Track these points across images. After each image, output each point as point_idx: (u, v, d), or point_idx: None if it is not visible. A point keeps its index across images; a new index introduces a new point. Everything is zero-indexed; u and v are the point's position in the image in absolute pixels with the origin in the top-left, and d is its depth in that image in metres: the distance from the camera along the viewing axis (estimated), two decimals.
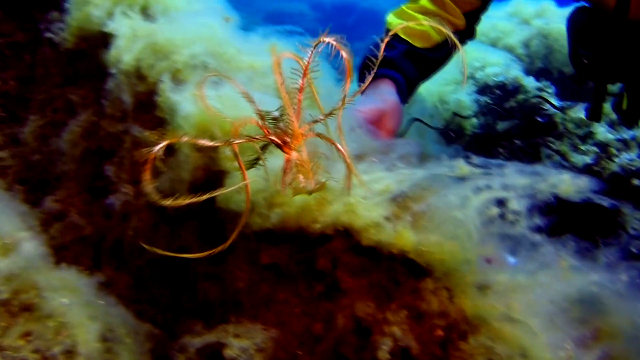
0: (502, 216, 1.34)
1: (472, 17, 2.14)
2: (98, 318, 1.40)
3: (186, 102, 1.55)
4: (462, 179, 1.40)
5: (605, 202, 1.31)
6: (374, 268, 1.38)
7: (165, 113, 1.66)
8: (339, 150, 1.21)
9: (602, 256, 1.36)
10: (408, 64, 1.98)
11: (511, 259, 1.59)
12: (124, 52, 1.85)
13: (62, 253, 1.77)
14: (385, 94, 1.87)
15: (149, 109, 1.79)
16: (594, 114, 2.27)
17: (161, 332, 1.54)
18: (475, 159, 1.32)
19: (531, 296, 1.31)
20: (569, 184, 1.34)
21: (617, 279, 1.30)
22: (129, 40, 1.87)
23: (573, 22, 2.19)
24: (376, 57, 1.94)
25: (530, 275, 1.38)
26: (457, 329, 1.32)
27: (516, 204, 1.33)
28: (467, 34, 2.19)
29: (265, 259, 1.50)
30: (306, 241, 1.43)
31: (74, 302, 1.40)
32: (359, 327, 1.38)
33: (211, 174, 1.53)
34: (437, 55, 2.11)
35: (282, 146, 1.19)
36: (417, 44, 2.04)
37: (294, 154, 1.19)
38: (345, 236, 1.40)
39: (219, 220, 1.52)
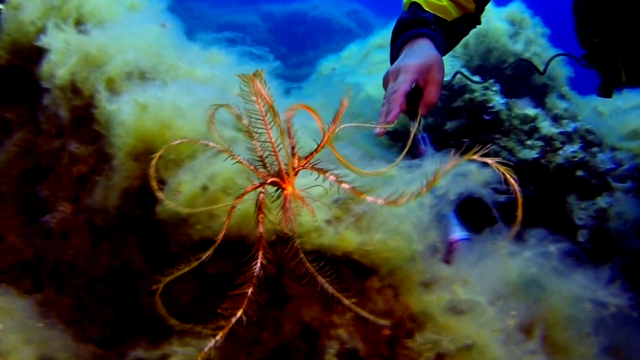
0: (437, 204, 1.36)
1: (481, 4, 2.17)
2: (35, 342, 1.34)
3: (123, 112, 1.52)
4: (392, 177, 1.41)
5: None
6: (319, 272, 1.36)
7: (102, 126, 1.62)
8: (336, 180, 1.17)
9: (531, 237, 1.39)
10: (438, 29, 1.98)
11: (463, 234, 1.61)
12: (58, 67, 1.80)
13: (0, 277, 1.70)
14: (426, 49, 1.85)
15: (86, 123, 1.74)
16: (605, 91, 2.29)
17: (105, 352, 1.50)
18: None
19: (475, 285, 1.31)
20: (476, 174, 1.38)
21: (547, 252, 1.33)
22: (63, 54, 1.82)
23: (577, 3, 2.24)
24: (410, 19, 1.95)
25: (473, 266, 1.39)
26: (404, 327, 1.31)
27: (445, 190, 1.35)
28: (475, 19, 2.21)
29: (211, 269, 1.47)
30: (250, 248, 1.41)
31: (9, 326, 1.35)
32: (306, 332, 1.36)
33: (148, 183, 1.50)
34: (459, 28, 2.12)
35: (280, 183, 1.18)
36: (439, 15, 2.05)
37: (291, 189, 1.18)
38: (287, 242, 1.38)
39: (161, 233, 1.49)
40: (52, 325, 1.47)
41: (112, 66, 1.65)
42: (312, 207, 1.16)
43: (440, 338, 1.27)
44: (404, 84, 1.70)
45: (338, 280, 1.35)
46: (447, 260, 1.59)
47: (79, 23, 1.96)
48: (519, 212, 0.94)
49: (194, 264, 1.16)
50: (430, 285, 1.35)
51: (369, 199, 1.03)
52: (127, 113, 1.49)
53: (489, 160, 0.90)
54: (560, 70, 3.25)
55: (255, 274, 1.11)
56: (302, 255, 1.13)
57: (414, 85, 1.72)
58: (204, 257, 1.17)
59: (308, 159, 1.21)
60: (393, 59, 1.99)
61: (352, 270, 1.36)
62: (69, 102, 1.77)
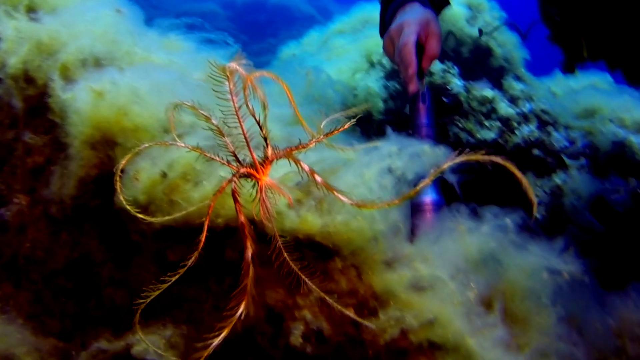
0: (397, 183, 1.38)
1: None
2: None
3: (78, 99, 1.48)
4: (351, 160, 1.43)
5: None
6: (282, 255, 1.37)
7: (57, 115, 1.58)
8: (307, 171, 1.15)
9: (487, 213, 1.43)
10: None
11: (435, 197, 1.64)
12: (9, 55, 1.75)
13: None
14: (419, 8, 1.93)
15: (40, 112, 1.70)
16: (569, 67, 2.34)
17: (66, 345, 1.47)
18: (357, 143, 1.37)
19: (435, 262, 1.34)
20: (430, 154, 1.41)
21: (504, 224, 1.36)
22: (14, 42, 1.77)
23: None
24: None
25: (433, 243, 1.42)
26: (367, 305, 1.33)
27: (403, 171, 1.37)
28: None
29: (172, 256, 1.46)
30: (212, 235, 1.41)
31: None
32: (271, 315, 1.37)
33: (105, 172, 1.47)
34: (437, 1, 2.17)
35: (254, 174, 1.16)
36: None
37: (266, 180, 1.17)
38: (249, 226, 1.38)
39: (120, 222, 1.47)
40: (9, 320, 1.44)
41: (65, 54, 1.61)
42: (289, 196, 1.15)
43: (403, 315, 1.30)
44: (410, 35, 1.81)
45: (301, 262, 1.37)
46: (415, 225, 1.61)
47: (30, 10, 1.90)
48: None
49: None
50: (392, 264, 1.37)
51: (342, 198, 1.02)
52: (82, 101, 1.46)
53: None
54: (516, 53, 3.31)
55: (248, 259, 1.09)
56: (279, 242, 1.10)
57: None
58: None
59: (287, 150, 1.19)
60: (383, 29, 2.07)
61: (315, 252, 1.36)
62: (22, 92, 1.72)
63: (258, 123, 1.06)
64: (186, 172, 1.38)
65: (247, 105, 1.02)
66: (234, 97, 1.13)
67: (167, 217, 1.29)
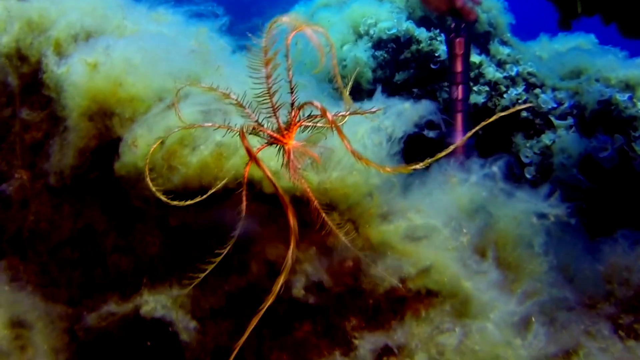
0: (388, 141, 1.42)
1: None
2: (4, 305, 1.35)
3: (73, 73, 1.51)
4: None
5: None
6: (280, 213, 1.42)
7: (52, 90, 1.61)
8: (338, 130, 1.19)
9: (474, 164, 1.47)
10: None
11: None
12: (1, 35, 1.77)
13: None
14: None
15: (35, 88, 1.72)
16: (564, 24, 2.38)
17: (75, 310, 1.52)
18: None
19: (429, 212, 1.39)
20: (410, 110, 1.46)
21: (491, 172, 1.41)
22: (4, 22, 1.79)
23: None
24: None
25: (426, 196, 1.47)
26: (366, 257, 1.38)
27: (392, 129, 1.41)
28: None
29: (174, 221, 1.50)
30: (211, 197, 1.45)
31: None
32: (272, 271, 1.42)
33: (105, 142, 1.51)
34: None
35: (280, 140, 1.19)
36: None
37: (292, 143, 1.20)
38: (248, 187, 1.42)
39: (121, 189, 1.50)
40: (20, 288, 1.49)
41: (56, 30, 1.63)
42: (317, 156, 1.17)
43: (400, 264, 1.35)
44: None
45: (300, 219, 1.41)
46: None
47: None
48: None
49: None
50: (388, 216, 1.42)
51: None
52: (76, 74, 1.49)
53: None
54: (502, 18, 3.33)
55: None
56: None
57: None
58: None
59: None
60: None
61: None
62: (16, 70, 1.74)
63: (292, 88, 1.08)
64: (183, 138, 1.42)
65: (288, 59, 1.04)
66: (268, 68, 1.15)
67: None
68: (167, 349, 1.52)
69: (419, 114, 1.50)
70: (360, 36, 3.23)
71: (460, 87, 2.13)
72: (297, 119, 1.17)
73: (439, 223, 1.37)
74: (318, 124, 1.17)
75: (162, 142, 1.42)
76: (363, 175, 1.39)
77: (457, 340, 1.33)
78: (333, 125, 0.95)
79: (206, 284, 1.48)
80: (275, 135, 1.20)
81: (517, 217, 1.46)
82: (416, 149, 1.70)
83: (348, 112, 1.18)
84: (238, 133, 1.06)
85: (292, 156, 1.19)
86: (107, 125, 1.51)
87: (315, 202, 1.14)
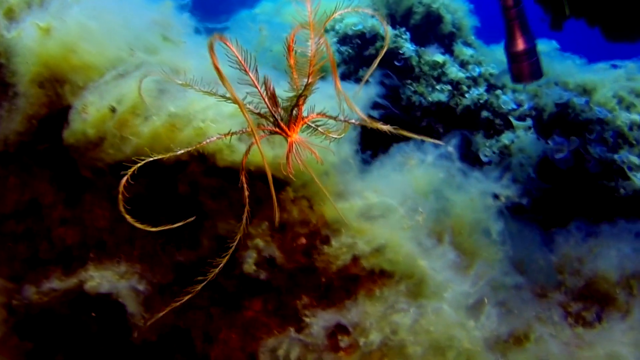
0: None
1: None
2: None
3: (24, 37, 1.45)
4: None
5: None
6: (233, 188, 1.38)
7: (2, 55, 1.54)
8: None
9: (429, 146, 1.47)
10: None
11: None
12: None
13: None
14: None
15: None
16: (556, 25, 2.41)
17: (16, 285, 1.45)
18: None
19: (385, 192, 1.38)
20: (362, 94, 1.47)
21: (446, 151, 1.41)
22: None
23: None
24: None
25: (384, 177, 1.45)
26: (319, 234, 1.36)
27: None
28: None
29: (125, 193, 1.45)
30: (163, 170, 1.41)
31: None
32: (223, 246, 1.38)
33: (55, 111, 1.45)
34: None
35: (285, 133, 1.19)
36: None
37: (295, 137, 1.20)
38: (200, 160, 1.38)
39: (70, 159, 1.45)
40: None
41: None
42: (317, 153, 1.19)
43: (355, 241, 1.33)
44: None
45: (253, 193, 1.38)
46: (515, 75, 1.86)
47: None
48: None
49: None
50: (344, 195, 1.40)
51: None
52: (28, 38, 1.43)
53: None
54: (466, 20, 3.38)
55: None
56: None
57: None
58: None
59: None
60: None
61: (266, 184, 1.38)
62: None
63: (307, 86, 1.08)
64: (135, 107, 1.37)
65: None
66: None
67: None
68: (113, 326, 1.47)
69: (368, 97, 1.50)
70: (326, 31, 3.21)
71: None
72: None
73: (394, 202, 1.36)
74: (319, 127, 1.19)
75: (114, 111, 1.37)
76: (320, 152, 1.36)
77: (411, 320, 1.32)
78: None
79: (156, 258, 1.43)
80: (282, 125, 1.20)
81: (474, 201, 1.46)
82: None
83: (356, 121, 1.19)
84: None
85: (292, 149, 1.20)
86: (58, 92, 1.45)
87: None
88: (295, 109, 1.16)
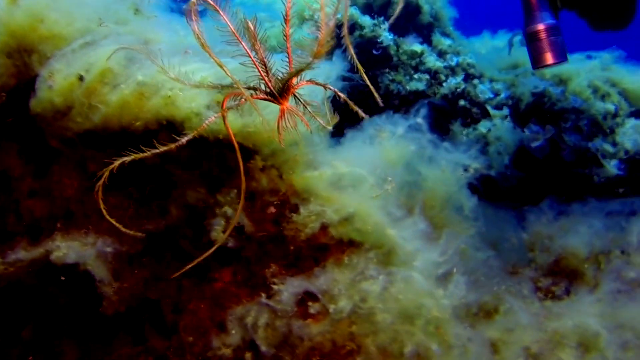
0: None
1: None
2: None
3: None
4: None
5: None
6: (203, 157, 1.38)
7: None
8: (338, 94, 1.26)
9: (399, 119, 1.48)
10: None
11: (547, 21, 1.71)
12: None
13: None
14: None
15: None
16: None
17: None
18: None
19: (355, 163, 1.38)
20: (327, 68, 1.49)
21: (416, 122, 1.42)
22: None
23: None
24: None
25: (356, 148, 1.46)
26: (288, 203, 1.36)
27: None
28: None
29: (93, 166, 1.44)
30: (132, 139, 1.39)
31: None
32: (192, 215, 1.37)
33: (24, 82, 1.43)
34: None
35: (277, 99, 1.21)
36: None
37: (286, 105, 1.21)
38: (169, 129, 1.38)
39: (38, 128, 1.43)
40: None
41: None
42: (307, 121, 1.20)
43: (324, 209, 1.33)
44: None
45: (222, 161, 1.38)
46: (534, 55, 1.67)
47: None
48: None
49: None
50: (313, 164, 1.40)
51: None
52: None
53: None
54: (445, 11, 3.41)
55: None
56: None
57: None
58: None
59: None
60: None
61: (235, 153, 1.38)
62: None
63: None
64: (104, 75, 1.36)
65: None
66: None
67: None
68: (82, 297, 1.45)
69: (335, 72, 1.51)
70: (305, 20, 3.22)
71: None
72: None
73: (364, 171, 1.36)
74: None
75: (81, 79, 1.36)
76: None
77: (380, 288, 1.32)
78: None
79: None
80: (274, 93, 1.22)
81: (444, 172, 1.47)
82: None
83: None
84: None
85: (284, 116, 1.22)
86: (26, 62, 1.44)
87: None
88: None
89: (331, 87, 1.23)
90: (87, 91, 1.36)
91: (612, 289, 1.59)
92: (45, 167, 1.45)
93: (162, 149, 1.11)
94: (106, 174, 1.12)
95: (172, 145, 1.11)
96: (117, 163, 1.12)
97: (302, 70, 1.14)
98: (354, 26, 3.08)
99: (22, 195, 1.48)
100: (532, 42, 1.77)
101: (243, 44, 1.16)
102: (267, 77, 1.22)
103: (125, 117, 1.36)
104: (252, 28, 1.14)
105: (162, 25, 1.59)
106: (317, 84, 1.25)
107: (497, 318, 1.49)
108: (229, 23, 1.14)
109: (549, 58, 1.75)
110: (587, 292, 1.60)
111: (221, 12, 1.14)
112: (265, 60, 1.20)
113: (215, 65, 1.38)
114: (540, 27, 1.75)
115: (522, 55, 3.20)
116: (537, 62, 1.77)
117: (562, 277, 1.69)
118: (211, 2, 1.10)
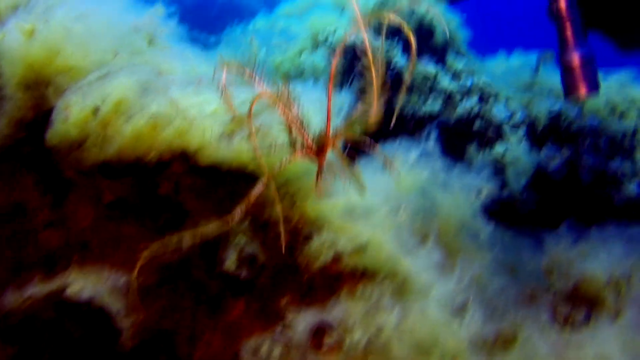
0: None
1: None
2: None
3: (9, 39, 1.46)
4: None
5: None
6: (216, 186, 1.38)
7: None
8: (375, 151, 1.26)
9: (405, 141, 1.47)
10: None
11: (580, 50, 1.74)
12: None
13: None
14: None
15: None
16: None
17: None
18: None
19: (369, 191, 1.37)
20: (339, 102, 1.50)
21: (427, 148, 1.41)
22: None
23: None
24: None
25: (368, 178, 1.45)
26: (302, 232, 1.35)
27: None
28: None
29: (108, 196, 1.45)
30: (146, 170, 1.41)
31: None
32: (205, 246, 1.37)
33: (42, 114, 1.46)
34: None
35: (317, 153, 1.22)
36: None
37: (326, 159, 1.22)
38: (183, 159, 1.39)
39: (54, 160, 1.45)
40: None
41: None
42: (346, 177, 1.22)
43: (337, 238, 1.32)
44: None
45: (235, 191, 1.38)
46: (568, 85, 1.73)
47: None
48: None
49: None
50: (327, 193, 1.39)
51: None
52: (13, 40, 1.44)
53: None
54: (459, 33, 3.41)
55: None
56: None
57: None
58: None
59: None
60: None
61: (247, 183, 1.38)
62: None
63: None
64: (120, 106, 1.38)
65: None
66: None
67: None
68: (97, 331, 1.46)
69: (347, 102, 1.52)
70: (319, 44, 3.25)
71: None
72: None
73: (377, 200, 1.36)
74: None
75: (97, 110, 1.38)
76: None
77: (396, 319, 1.31)
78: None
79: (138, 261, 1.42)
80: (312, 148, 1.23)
81: (457, 197, 1.45)
82: None
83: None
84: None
85: (321, 172, 1.24)
86: (43, 95, 1.46)
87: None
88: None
89: (368, 143, 1.23)
90: (102, 122, 1.38)
91: (634, 317, 1.55)
92: (61, 198, 1.47)
93: None
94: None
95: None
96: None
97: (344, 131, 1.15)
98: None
99: (39, 227, 1.50)
100: (566, 71, 1.80)
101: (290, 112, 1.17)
102: (304, 132, 1.22)
103: (140, 147, 1.37)
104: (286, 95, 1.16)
105: (175, 55, 1.61)
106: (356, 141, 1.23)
107: (515, 347, 1.46)
108: (264, 90, 1.16)
109: (582, 89, 1.78)
110: (607, 319, 1.56)
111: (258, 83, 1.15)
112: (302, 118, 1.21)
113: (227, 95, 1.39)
114: (576, 57, 1.77)
115: (540, 75, 3.19)
116: (570, 91, 1.82)
117: (582, 304, 1.65)
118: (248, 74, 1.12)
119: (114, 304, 1.35)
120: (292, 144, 1.23)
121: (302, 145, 1.22)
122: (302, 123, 1.21)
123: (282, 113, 1.19)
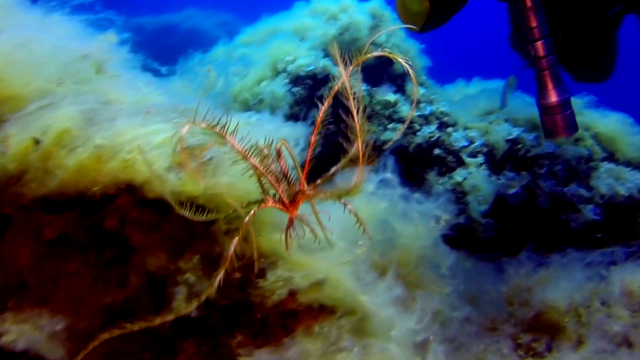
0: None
1: None
2: None
3: None
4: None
5: None
6: (164, 220, 1.32)
7: None
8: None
9: (370, 173, 1.44)
10: None
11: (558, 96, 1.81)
12: None
13: None
14: None
15: None
16: None
17: None
18: None
19: (325, 224, 1.32)
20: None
21: (385, 177, 1.38)
22: None
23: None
24: None
25: (325, 209, 1.41)
26: (254, 268, 1.29)
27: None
28: None
29: (49, 232, 1.36)
30: (90, 204, 1.33)
31: None
32: (152, 283, 1.30)
33: None
34: None
35: (287, 207, 1.18)
36: None
37: (296, 214, 1.18)
38: (129, 192, 1.32)
39: None
40: None
41: None
42: (316, 231, 1.17)
43: (292, 275, 1.27)
44: None
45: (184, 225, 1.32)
46: (547, 128, 1.79)
47: None
48: None
49: None
50: (280, 226, 1.34)
51: None
52: None
53: None
54: (418, 61, 3.44)
55: None
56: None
57: None
58: None
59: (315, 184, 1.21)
60: None
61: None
62: None
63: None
64: (60, 138, 1.31)
65: None
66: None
67: None
68: None
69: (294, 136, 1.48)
70: (278, 73, 3.23)
71: (540, 44, 1.85)
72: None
73: (334, 235, 1.31)
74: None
75: (37, 143, 1.30)
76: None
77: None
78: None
79: (81, 301, 1.34)
80: (284, 201, 1.19)
81: (417, 227, 1.42)
82: None
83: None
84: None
85: (291, 225, 1.19)
86: None
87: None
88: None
89: (350, 207, 1.19)
90: (44, 155, 1.30)
91: (596, 345, 1.53)
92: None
93: None
94: None
95: None
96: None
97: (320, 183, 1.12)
98: (327, 77, 3.09)
99: None
100: (546, 115, 1.85)
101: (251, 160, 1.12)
102: (278, 185, 1.17)
103: (83, 181, 1.30)
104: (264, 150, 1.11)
105: (125, 84, 1.56)
106: (332, 197, 1.20)
107: None
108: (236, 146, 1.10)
109: (562, 132, 1.85)
110: (569, 348, 1.54)
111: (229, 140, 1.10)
112: (275, 171, 1.16)
113: (177, 126, 1.33)
114: (555, 101, 1.82)
115: (495, 102, 3.23)
116: (551, 134, 1.87)
117: (543, 333, 1.63)
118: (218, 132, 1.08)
119: (53, 352, 1.26)
120: (262, 190, 1.18)
121: (274, 196, 1.17)
122: (277, 176, 1.17)
123: (253, 166, 1.14)
